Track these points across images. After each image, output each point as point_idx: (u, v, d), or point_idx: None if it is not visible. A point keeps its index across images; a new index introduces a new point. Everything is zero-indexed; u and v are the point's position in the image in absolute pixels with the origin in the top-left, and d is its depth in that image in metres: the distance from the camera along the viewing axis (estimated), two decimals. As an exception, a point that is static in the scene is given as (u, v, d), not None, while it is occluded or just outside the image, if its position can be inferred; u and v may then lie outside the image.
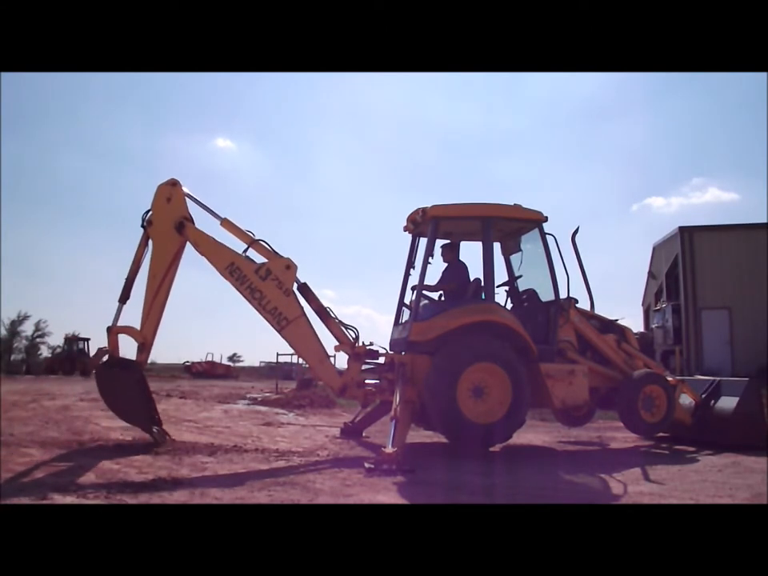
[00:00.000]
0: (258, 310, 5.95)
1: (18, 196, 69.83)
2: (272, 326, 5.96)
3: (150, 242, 5.99)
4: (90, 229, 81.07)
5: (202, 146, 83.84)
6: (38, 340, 46.01)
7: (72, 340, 33.60)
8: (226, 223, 6.09)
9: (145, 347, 5.92)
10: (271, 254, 6.08)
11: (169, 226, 5.92)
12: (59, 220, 79.16)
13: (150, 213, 5.99)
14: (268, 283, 5.93)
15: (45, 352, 44.86)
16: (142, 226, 5.99)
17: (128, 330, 5.95)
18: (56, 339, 48.37)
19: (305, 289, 6.19)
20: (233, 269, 5.93)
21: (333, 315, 6.32)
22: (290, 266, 6.02)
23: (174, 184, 6.00)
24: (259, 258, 6.08)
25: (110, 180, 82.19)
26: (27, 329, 45.70)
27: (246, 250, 6.05)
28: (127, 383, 5.85)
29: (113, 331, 5.93)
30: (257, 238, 6.08)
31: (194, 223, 6.03)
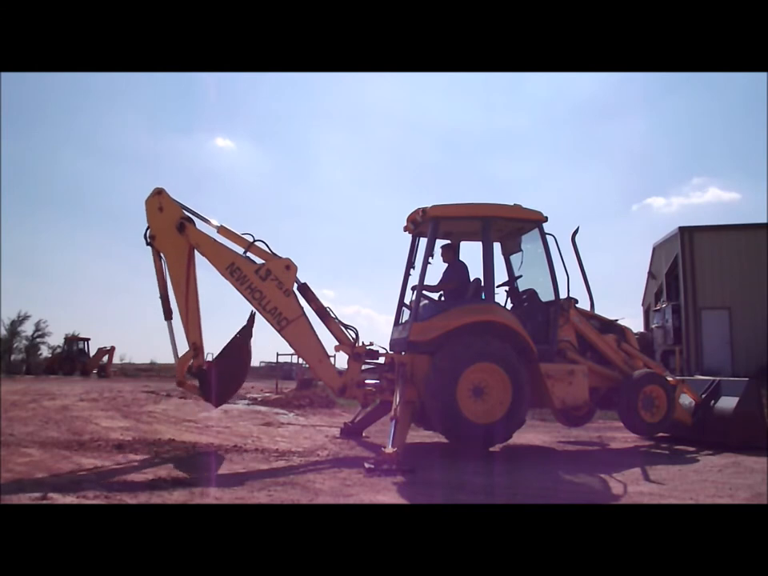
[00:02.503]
0: (258, 310, 5.98)
1: (18, 196, 69.72)
2: (272, 325, 5.99)
3: (162, 255, 6.00)
4: (90, 229, 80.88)
5: (201, 145, 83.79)
6: (38, 340, 45.90)
7: (72, 340, 33.63)
8: (222, 230, 6.10)
9: (198, 350, 5.93)
10: (270, 255, 6.10)
11: (171, 232, 5.93)
12: (59, 220, 79.00)
13: (149, 228, 5.98)
14: (268, 283, 5.95)
15: (45, 352, 44.81)
16: (148, 244, 6.00)
17: (183, 361, 5.98)
18: (56, 339, 48.33)
19: (305, 289, 6.21)
20: (233, 269, 5.95)
21: (333, 315, 6.34)
22: (289, 267, 6.04)
23: (159, 192, 5.99)
24: (260, 261, 6.09)
25: (109, 180, 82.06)
26: (27, 329, 45.60)
27: (245, 252, 6.08)
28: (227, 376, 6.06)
29: (181, 384, 6.12)
30: (256, 239, 6.10)
31: (194, 224, 6.05)
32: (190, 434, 6.97)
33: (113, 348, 32.10)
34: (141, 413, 9.15)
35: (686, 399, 7.03)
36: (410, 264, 6.95)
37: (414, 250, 7.00)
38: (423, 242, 6.58)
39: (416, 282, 6.50)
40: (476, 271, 6.51)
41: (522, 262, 7.05)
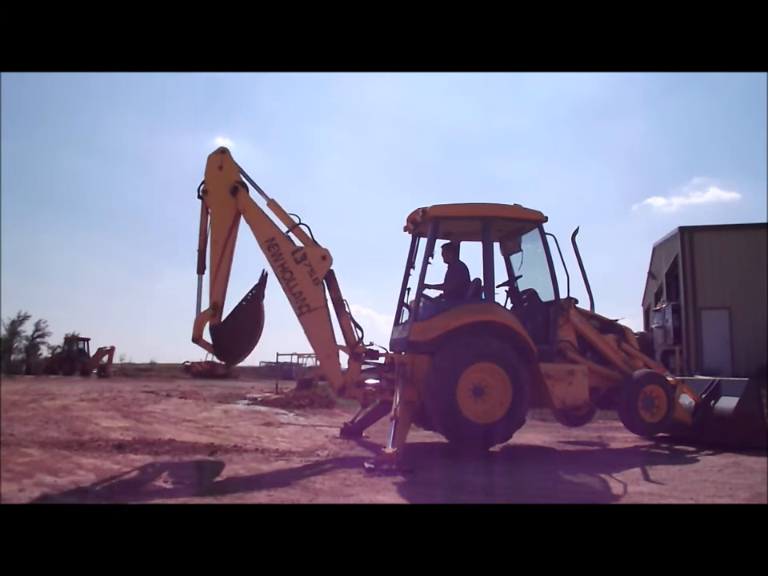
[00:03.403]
0: (284, 290, 6.08)
1: (18, 196, 69.69)
2: (293, 308, 6.09)
3: (210, 211, 6.14)
4: (90, 229, 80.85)
5: (201, 144, 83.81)
6: (38, 340, 45.81)
7: (72, 340, 33.59)
8: (272, 204, 6.22)
9: (217, 309, 6.07)
10: (310, 241, 6.21)
11: (224, 191, 6.08)
12: (59, 220, 78.99)
13: (204, 182, 6.13)
14: (301, 267, 6.07)
15: (45, 352, 44.76)
16: (199, 197, 6.14)
17: (202, 319, 6.06)
18: (56, 339, 48.23)
19: (330, 276, 6.29)
20: (272, 243, 6.07)
21: (347, 310, 6.39)
22: (325, 257, 6.16)
23: (223, 152, 6.18)
24: (300, 244, 6.21)
25: (109, 179, 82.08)
26: (27, 329, 45.54)
27: (287, 232, 6.19)
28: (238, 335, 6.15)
29: (197, 341, 6.10)
30: (301, 222, 6.23)
31: (247, 191, 6.17)
32: (190, 433, 6.97)
33: (113, 348, 32.11)
34: (141, 413, 9.14)
35: (686, 399, 7.03)
36: (410, 264, 6.95)
37: (413, 250, 7.00)
38: (423, 241, 6.58)
39: (416, 282, 6.50)
40: (476, 271, 6.52)
41: (521, 262, 7.05)
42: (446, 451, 6.11)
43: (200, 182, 6.14)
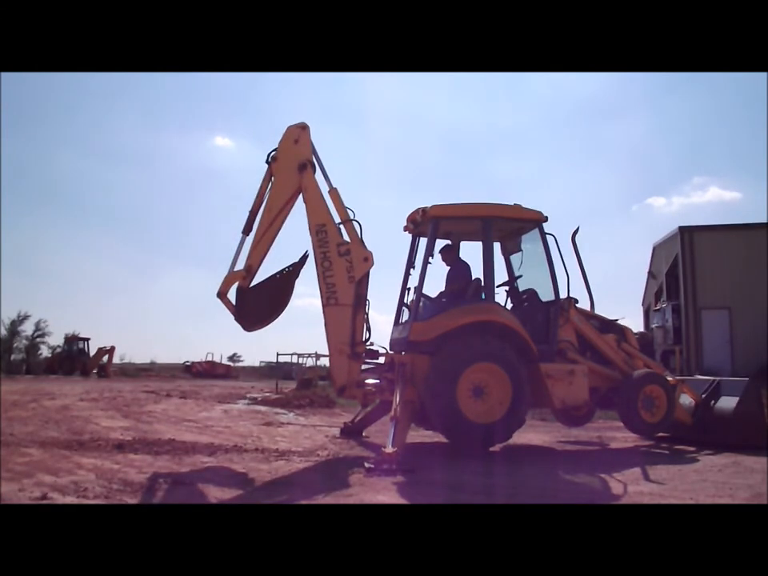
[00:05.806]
0: (318, 276, 6.14)
1: (17, 196, 69.81)
2: (321, 295, 6.13)
3: (273, 179, 6.21)
4: (89, 228, 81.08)
5: (200, 144, 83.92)
6: (38, 340, 45.84)
7: (72, 340, 33.62)
8: (333, 193, 6.27)
9: (250, 272, 6.11)
10: (357, 239, 6.23)
11: (292, 165, 6.17)
12: (59, 220, 79.20)
13: (276, 150, 6.21)
14: (341, 261, 6.12)
15: (45, 352, 44.77)
16: (267, 162, 6.23)
17: (232, 277, 6.09)
18: (56, 339, 48.25)
19: (364, 275, 6.29)
20: (321, 229, 6.14)
21: (366, 311, 6.37)
22: (367, 259, 6.20)
23: (303, 128, 6.24)
24: (347, 238, 6.24)
25: (109, 179, 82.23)
26: (27, 329, 45.56)
27: (339, 224, 6.23)
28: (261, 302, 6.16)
29: (222, 296, 6.10)
30: (354, 218, 6.28)
31: (314, 171, 6.23)
32: (190, 433, 6.97)
33: (113, 348, 32.15)
34: (141, 413, 9.15)
35: (686, 399, 7.02)
36: (410, 264, 6.95)
37: (414, 249, 7.00)
38: (423, 241, 6.59)
39: (416, 282, 6.50)
40: (476, 271, 6.52)
41: (521, 262, 7.05)
42: (446, 451, 6.11)
43: (272, 149, 6.22)
